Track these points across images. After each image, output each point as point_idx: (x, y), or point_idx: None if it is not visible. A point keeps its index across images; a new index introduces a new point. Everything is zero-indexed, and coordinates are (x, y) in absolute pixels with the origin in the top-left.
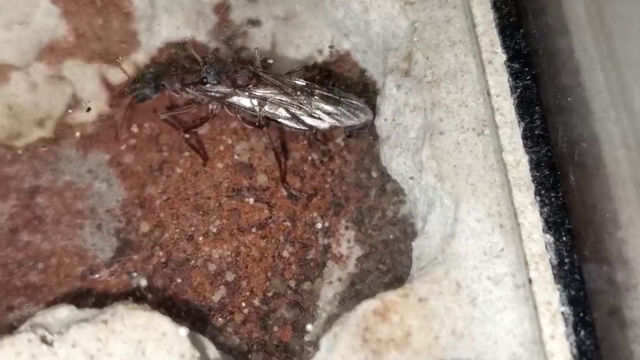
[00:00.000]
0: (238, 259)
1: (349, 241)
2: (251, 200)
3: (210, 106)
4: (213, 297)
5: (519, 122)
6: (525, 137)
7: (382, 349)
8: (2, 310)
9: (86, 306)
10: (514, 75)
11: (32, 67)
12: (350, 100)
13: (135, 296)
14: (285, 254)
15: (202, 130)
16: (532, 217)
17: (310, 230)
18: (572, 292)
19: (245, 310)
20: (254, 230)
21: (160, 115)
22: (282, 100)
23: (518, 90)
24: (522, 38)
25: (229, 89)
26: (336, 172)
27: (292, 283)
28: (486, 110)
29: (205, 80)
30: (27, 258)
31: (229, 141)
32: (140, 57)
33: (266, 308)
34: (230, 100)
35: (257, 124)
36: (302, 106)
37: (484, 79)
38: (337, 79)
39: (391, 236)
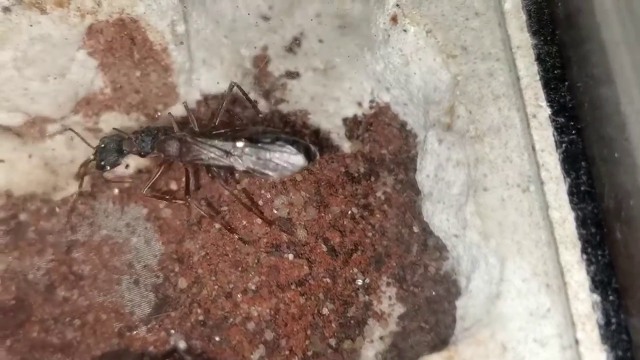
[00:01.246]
0: (277, 316)
1: (390, 298)
2: (290, 256)
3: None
4: (252, 356)
5: (564, 177)
6: (571, 194)
7: None
8: None
9: None
10: (559, 129)
11: (68, 119)
12: (281, 153)
13: (174, 358)
14: (325, 311)
15: (241, 185)
16: (578, 276)
17: (351, 286)
18: (620, 353)
19: None
20: (293, 287)
21: (143, 193)
22: (213, 163)
23: (563, 145)
24: (566, 91)
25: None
26: (377, 227)
27: (333, 341)
28: (531, 165)
29: (141, 153)
30: (64, 314)
31: (268, 195)
32: (179, 110)
33: None
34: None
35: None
36: (232, 165)
37: (529, 133)
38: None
39: (433, 293)
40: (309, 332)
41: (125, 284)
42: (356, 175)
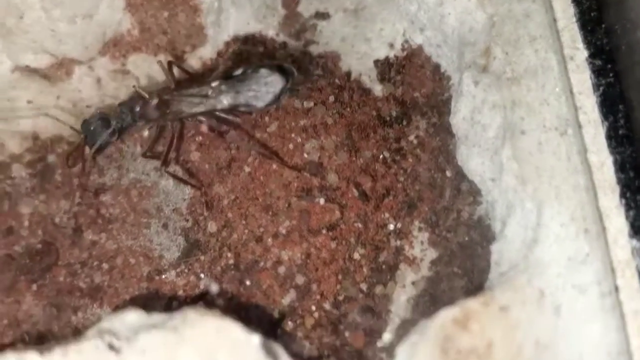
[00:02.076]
0: (308, 261)
1: (422, 243)
2: (322, 201)
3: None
4: (283, 301)
5: (602, 121)
6: (609, 137)
7: None
8: (67, 313)
9: (154, 309)
10: (596, 72)
11: (95, 61)
12: (257, 79)
13: (206, 300)
14: (356, 256)
15: (271, 128)
16: (617, 222)
17: (382, 231)
18: None
19: (316, 315)
20: (324, 231)
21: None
22: (197, 111)
23: (601, 88)
24: (604, 34)
25: (148, 121)
26: (409, 171)
27: (364, 286)
28: (569, 108)
29: (122, 126)
30: (92, 258)
31: (299, 139)
32: (207, 51)
33: (337, 312)
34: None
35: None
36: (214, 108)
37: (566, 76)
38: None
39: (466, 239)
40: (340, 277)
41: (154, 228)
42: (388, 119)
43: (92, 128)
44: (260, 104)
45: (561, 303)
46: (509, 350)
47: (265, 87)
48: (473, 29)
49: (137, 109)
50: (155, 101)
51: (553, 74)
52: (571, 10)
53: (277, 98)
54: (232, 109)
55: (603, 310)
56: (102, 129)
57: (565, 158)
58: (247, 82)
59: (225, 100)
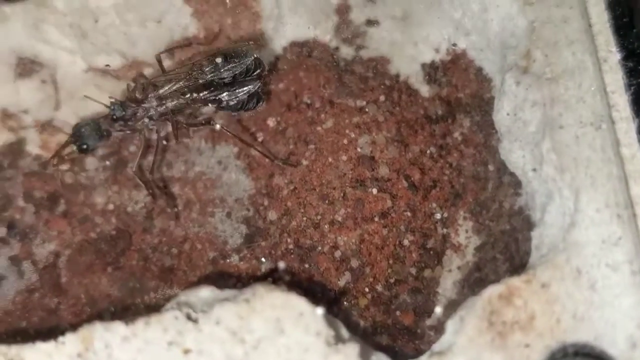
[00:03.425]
0: (362, 246)
1: (467, 231)
2: (374, 191)
3: (149, 130)
4: (339, 282)
5: (633, 117)
6: (639, 132)
7: (507, 331)
8: (140, 293)
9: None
10: (629, 73)
11: (163, 63)
12: (234, 55)
13: (273, 278)
14: (405, 242)
15: (327, 125)
16: None
17: (430, 220)
18: None
19: (369, 295)
20: (376, 219)
21: (132, 171)
22: (183, 86)
23: (632, 88)
24: (635, 37)
25: (138, 108)
26: (454, 165)
27: (413, 270)
28: (603, 106)
29: (114, 116)
30: (162, 243)
31: (352, 135)
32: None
33: (388, 293)
34: (154, 116)
35: (202, 122)
36: (197, 83)
37: (600, 76)
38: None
39: (508, 227)
40: (391, 261)
41: (218, 217)
42: (434, 117)
43: (81, 131)
44: (235, 89)
45: (596, 280)
46: (549, 321)
47: (239, 59)
48: (514, 33)
49: (129, 94)
50: (140, 83)
51: (589, 74)
52: (605, 16)
53: (251, 69)
54: (215, 89)
55: (634, 286)
56: (91, 133)
57: (599, 150)
58: (226, 55)
59: (207, 69)
